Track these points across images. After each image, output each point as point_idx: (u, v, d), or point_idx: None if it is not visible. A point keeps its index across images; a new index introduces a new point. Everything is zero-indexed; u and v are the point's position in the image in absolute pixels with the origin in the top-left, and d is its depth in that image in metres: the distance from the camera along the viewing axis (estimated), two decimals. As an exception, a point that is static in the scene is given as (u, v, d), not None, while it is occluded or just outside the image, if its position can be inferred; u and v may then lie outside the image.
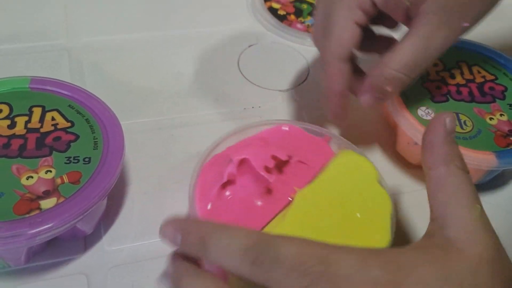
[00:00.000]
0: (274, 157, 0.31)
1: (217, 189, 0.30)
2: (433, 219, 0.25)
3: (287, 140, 0.34)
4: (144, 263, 0.32)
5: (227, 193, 0.31)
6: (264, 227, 0.30)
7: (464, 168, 0.25)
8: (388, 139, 0.41)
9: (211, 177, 0.31)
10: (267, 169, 0.31)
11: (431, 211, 0.25)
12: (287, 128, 0.35)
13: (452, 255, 0.23)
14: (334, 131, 0.40)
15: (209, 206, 0.30)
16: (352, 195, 0.30)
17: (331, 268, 0.22)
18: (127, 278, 0.31)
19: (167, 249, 0.32)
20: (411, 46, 0.31)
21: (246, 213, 0.30)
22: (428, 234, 0.25)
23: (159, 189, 0.35)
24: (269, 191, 0.31)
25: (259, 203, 0.31)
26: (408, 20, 0.32)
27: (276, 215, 0.30)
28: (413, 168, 0.39)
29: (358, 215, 0.29)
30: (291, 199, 0.30)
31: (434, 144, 0.26)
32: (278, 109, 0.42)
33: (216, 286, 0.24)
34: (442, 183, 0.25)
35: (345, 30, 0.32)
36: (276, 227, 0.29)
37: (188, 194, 0.31)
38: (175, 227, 0.25)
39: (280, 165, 0.32)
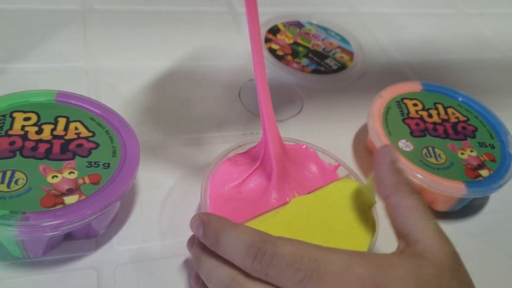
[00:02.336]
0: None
1: (229, 185, 0.35)
2: (398, 237, 0.29)
3: (301, 157, 0.38)
4: (149, 263, 0.35)
5: (236, 188, 0.35)
6: (257, 216, 0.33)
7: (413, 191, 0.29)
8: (372, 169, 0.45)
9: (223, 175, 0.36)
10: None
11: (395, 232, 0.30)
12: (303, 147, 0.39)
13: (420, 260, 0.27)
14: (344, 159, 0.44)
15: (223, 190, 0.35)
16: (342, 213, 0.34)
17: (321, 267, 0.26)
18: (133, 274, 0.34)
19: (170, 251, 0.36)
20: None
21: (247, 203, 0.34)
22: (399, 249, 0.29)
23: (165, 199, 0.39)
24: (274, 189, 0.35)
25: (262, 196, 0.35)
26: None
27: (272, 209, 0.34)
28: (393, 195, 0.43)
29: (339, 227, 0.33)
30: (288, 201, 0.35)
31: (383, 177, 0.30)
32: (274, 136, 0.46)
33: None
34: (397, 207, 0.29)
35: None
36: (267, 220, 0.33)
37: (201, 186, 0.35)
38: (200, 220, 0.29)
39: (289, 172, 0.36)
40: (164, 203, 0.39)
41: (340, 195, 0.36)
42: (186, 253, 0.36)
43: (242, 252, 0.27)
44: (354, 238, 0.33)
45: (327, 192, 0.36)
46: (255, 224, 0.33)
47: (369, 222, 0.34)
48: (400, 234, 0.29)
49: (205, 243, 0.29)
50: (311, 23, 0.60)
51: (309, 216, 0.34)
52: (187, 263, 0.35)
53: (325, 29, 0.60)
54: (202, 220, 0.29)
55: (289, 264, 0.26)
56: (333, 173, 0.39)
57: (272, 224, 0.33)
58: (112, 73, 0.48)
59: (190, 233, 0.37)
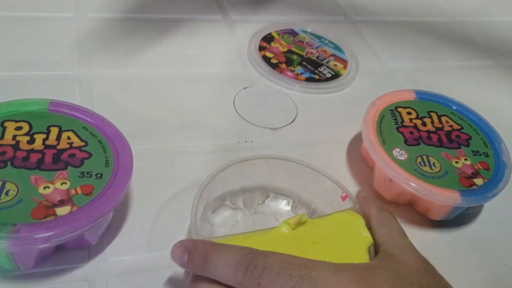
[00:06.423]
0: None
1: None
2: (378, 246, 0.32)
3: None
4: (142, 274, 0.34)
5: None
6: (244, 233, 0.32)
7: (392, 214, 0.35)
8: (366, 177, 0.45)
9: None
10: None
11: (375, 241, 0.33)
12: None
13: (399, 264, 0.30)
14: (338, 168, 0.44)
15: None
16: (336, 246, 0.32)
17: (312, 273, 0.27)
18: (127, 286, 0.33)
19: (163, 263, 0.35)
20: None
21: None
22: (378, 256, 0.32)
23: (159, 209, 0.38)
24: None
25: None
26: None
27: (264, 229, 0.33)
28: (388, 203, 0.43)
29: (328, 259, 0.30)
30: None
31: (371, 201, 0.36)
32: (269, 145, 0.46)
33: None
34: (380, 221, 0.34)
35: None
36: (252, 238, 0.31)
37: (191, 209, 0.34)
38: (184, 247, 0.29)
39: None
40: (158, 213, 0.38)
41: (339, 227, 0.33)
42: (180, 264, 0.35)
43: (232, 267, 0.28)
44: None
45: (326, 221, 0.34)
46: (238, 239, 0.31)
47: (362, 260, 0.31)
48: (379, 242, 0.32)
49: (191, 270, 0.30)
50: (305, 31, 0.60)
51: (300, 241, 0.32)
52: (181, 275, 0.35)
53: (319, 37, 0.60)
54: (186, 247, 0.29)
55: (280, 272, 0.27)
56: (341, 202, 0.36)
57: (256, 242, 0.31)
58: (106, 81, 0.48)
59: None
